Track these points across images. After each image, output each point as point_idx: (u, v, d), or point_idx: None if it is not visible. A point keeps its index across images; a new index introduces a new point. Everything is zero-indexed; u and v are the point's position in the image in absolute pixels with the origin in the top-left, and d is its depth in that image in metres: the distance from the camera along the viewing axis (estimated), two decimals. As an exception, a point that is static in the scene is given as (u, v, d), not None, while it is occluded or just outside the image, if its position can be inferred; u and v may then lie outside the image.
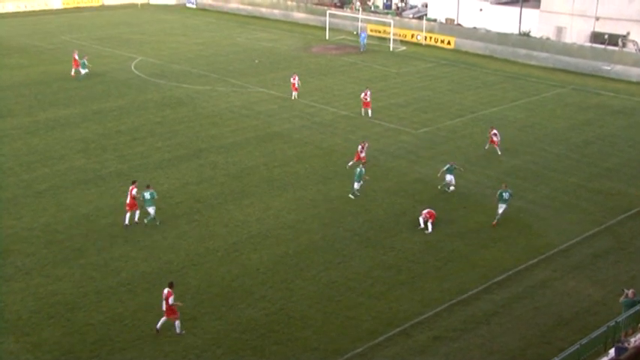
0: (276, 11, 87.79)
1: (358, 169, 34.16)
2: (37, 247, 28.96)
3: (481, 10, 78.47)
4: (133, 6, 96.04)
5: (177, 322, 23.55)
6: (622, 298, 22.98)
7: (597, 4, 66.75)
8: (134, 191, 30.88)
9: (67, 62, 61.36)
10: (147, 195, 30.96)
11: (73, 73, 56.77)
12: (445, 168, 34.88)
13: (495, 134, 39.81)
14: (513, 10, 75.47)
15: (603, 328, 21.37)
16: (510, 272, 27.46)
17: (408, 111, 48.61)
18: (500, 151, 39.67)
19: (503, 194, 31.50)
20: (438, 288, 26.38)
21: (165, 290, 23.55)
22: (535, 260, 28.41)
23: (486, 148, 40.17)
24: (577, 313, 24.91)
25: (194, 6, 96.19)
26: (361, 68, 61.22)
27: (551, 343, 23.14)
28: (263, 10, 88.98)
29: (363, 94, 47.52)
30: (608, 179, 36.85)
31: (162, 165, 37.94)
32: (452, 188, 34.62)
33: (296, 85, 51.07)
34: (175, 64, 61.54)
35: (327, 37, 74.88)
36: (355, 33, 75.82)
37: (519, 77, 59.07)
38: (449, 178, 34.62)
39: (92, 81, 55.27)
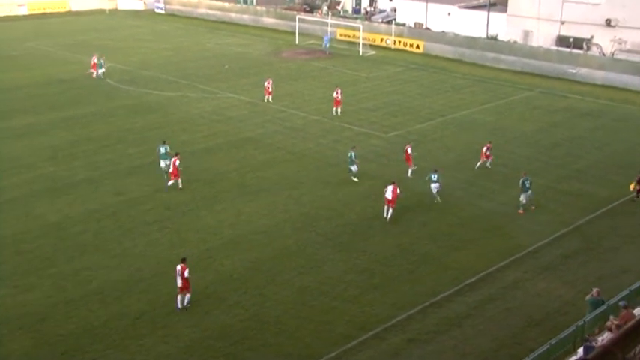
0: (245, 16, 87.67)
1: (350, 153, 36.43)
2: (6, 257, 28.48)
3: (449, 14, 79.13)
4: (101, 12, 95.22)
5: (188, 296, 24.86)
6: (587, 297, 23.29)
7: (562, 8, 67.74)
8: (177, 162, 34.90)
9: (34, 69, 60.76)
10: (162, 149, 36.62)
11: (89, 72, 58.15)
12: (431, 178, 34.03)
13: (489, 148, 38.20)
14: (481, 14, 76.22)
15: (572, 328, 21.61)
16: (482, 274, 27.64)
17: (379, 115, 48.79)
18: (491, 165, 38.44)
19: (525, 183, 32.97)
20: (411, 291, 26.46)
21: (179, 266, 24.74)
22: (506, 261, 28.63)
23: (477, 166, 38.21)
24: (548, 314, 25.13)
25: (163, 12, 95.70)
26: (331, 73, 61.34)
27: (522, 344, 23.31)
28: (232, 15, 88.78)
29: (335, 93, 48.49)
30: (577, 180, 37.30)
31: (133, 172, 37.58)
32: (437, 199, 33.87)
33: (270, 89, 51.33)
34: (145, 70, 61.09)
35: (296, 42, 74.93)
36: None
37: (488, 80, 59.60)
38: (434, 187, 33.89)
39: (60, 87, 54.65)
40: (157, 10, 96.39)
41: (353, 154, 36.66)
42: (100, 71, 57.95)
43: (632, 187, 35.00)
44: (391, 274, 27.58)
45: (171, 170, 35.15)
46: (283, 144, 42.39)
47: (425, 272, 27.80)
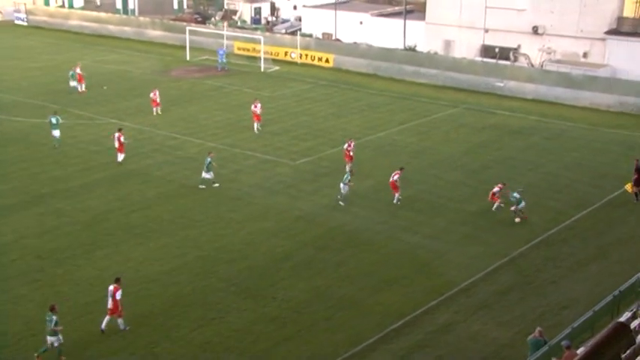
0: (127, 29, 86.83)
1: (209, 159, 40.06)
2: None
3: (361, 23, 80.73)
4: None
5: (120, 320, 26.61)
6: (529, 337, 23.90)
7: (486, 15, 70.25)
8: (122, 138, 43.25)
9: None
10: (53, 120, 46.08)
11: (81, 89, 60.45)
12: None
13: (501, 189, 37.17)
14: (397, 23, 78.04)
15: (512, 374, 22.16)
16: (408, 317, 28.01)
17: (285, 139, 49.11)
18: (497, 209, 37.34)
19: (515, 194, 35.80)
20: (329, 340, 26.55)
21: (111, 286, 26.61)
22: (435, 302, 29.13)
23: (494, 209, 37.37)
24: (484, 359, 25.67)
25: (25, 23, 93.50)
26: (229, 92, 61.40)
27: (457, 395, 23.72)
28: (111, 27, 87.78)
29: (253, 106, 50.40)
30: (509, 207, 38.39)
31: (-7, 215, 36.42)
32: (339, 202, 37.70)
33: (157, 101, 53.45)
34: (4, 93, 59.53)
35: (187, 58, 74.70)
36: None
37: (407, 97, 61.01)
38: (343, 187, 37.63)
39: None
40: (17, 22, 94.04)
41: (209, 159, 40.07)
42: (73, 84, 60.37)
43: (629, 187, 37.54)
44: (305, 323, 27.61)
45: (117, 146, 43.28)
46: (175, 176, 42.02)
47: (344, 318, 27.96)
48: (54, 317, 24.90)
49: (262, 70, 70.09)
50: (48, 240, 33.95)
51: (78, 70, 61.01)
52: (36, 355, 24.89)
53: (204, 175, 39.93)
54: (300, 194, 39.67)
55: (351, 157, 42.34)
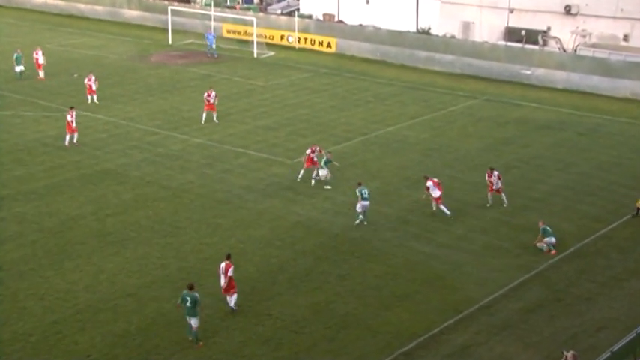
0: (99, 8, 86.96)
1: (325, 158, 41.21)
2: None
3: (368, 2, 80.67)
4: None
5: (234, 296, 28.93)
6: (560, 363, 23.98)
7: (510, -7, 70.27)
8: (69, 117, 45.55)
9: None
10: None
11: (40, 75, 61.56)
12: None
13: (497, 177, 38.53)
14: (408, 2, 77.92)
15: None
16: (421, 338, 28.01)
17: (281, 135, 49.19)
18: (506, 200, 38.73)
19: (547, 229, 34.39)
20: (331, 365, 26.62)
21: (223, 264, 28.84)
22: (452, 321, 29.12)
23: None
24: (508, 385, 25.75)
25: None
26: (217, 81, 61.41)
27: None
28: (81, 6, 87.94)
29: (206, 94, 51.15)
30: (536, 212, 38.34)
31: (-53, 221, 36.55)
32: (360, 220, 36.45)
33: (93, 87, 54.39)
34: (-39, 81, 59.75)
35: (170, 42, 74.78)
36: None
37: (420, 87, 61.04)
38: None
39: None
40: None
41: (325, 158, 41.04)
42: (18, 69, 61.12)
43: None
44: (304, 344, 27.64)
45: (67, 125, 45.92)
46: (155, 177, 42.09)
47: (347, 339, 27.97)
48: (196, 295, 26.79)
49: (255, 56, 70.13)
50: (9, 249, 33.98)
51: (37, 56, 61.38)
52: (196, 345, 26.94)
53: (321, 173, 40.89)
54: (298, 197, 39.70)
55: (313, 162, 41.15)
